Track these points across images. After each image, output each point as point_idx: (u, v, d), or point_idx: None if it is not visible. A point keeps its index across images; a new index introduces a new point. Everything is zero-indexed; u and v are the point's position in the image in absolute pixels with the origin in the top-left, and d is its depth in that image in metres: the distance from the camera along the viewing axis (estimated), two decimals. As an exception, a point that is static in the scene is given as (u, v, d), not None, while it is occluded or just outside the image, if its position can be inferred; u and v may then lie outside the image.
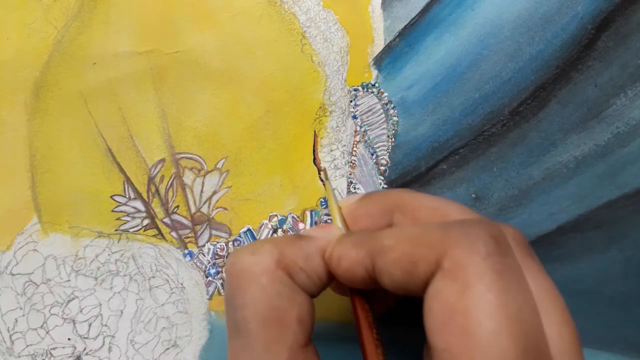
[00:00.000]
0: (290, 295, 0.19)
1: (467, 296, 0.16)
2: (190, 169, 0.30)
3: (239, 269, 0.20)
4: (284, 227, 0.30)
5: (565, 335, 0.18)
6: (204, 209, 0.30)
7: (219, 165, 0.30)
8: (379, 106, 0.31)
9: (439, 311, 0.17)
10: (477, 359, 0.16)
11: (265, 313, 0.19)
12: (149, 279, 0.29)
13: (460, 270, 0.17)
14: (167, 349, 0.29)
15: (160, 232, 0.30)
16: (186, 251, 0.30)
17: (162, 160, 0.30)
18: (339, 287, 0.24)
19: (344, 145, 0.30)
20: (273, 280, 0.19)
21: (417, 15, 0.31)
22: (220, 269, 0.30)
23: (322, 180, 0.30)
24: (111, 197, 0.30)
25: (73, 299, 0.29)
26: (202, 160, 0.30)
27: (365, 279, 0.20)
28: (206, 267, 0.30)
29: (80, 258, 0.29)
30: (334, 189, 0.30)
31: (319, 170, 0.30)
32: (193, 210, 0.30)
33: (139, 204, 0.30)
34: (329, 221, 0.30)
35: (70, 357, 0.29)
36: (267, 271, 0.19)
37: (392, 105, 0.30)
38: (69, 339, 0.29)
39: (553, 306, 0.19)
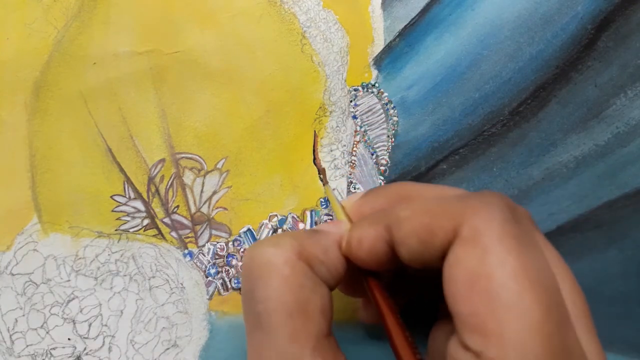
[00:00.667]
0: (313, 286, 0.19)
1: (489, 260, 0.17)
2: (190, 169, 0.30)
3: (260, 261, 0.20)
4: (284, 227, 0.30)
5: (577, 302, 0.19)
6: (204, 209, 0.30)
7: (219, 165, 0.30)
8: (379, 106, 0.31)
9: (462, 277, 0.17)
10: (504, 320, 0.16)
11: (289, 305, 0.19)
12: (149, 279, 0.29)
13: (479, 236, 0.17)
14: (167, 349, 0.29)
15: (160, 232, 0.30)
16: (186, 251, 0.30)
17: (162, 160, 0.30)
18: (347, 287, 0.24)
19: (344, 145, 0.30)
20: (296, 271, 0.19)
21: (417, 15, 0.31)
22: (220, 269, 0.30)
23: (322, 181, 0.30)
24: (111, 197, 0.30)
25: (73, 299, 0.29)
26: (202, 160, 0.30)
27: (388, 255, 0.20)
28: (206, 267, 0.30)
29: (80, 258, 0.29)
30: (334, 189, 0.30)
31: (319, 170, 0.30)
32: (193, 210, 0.30)
33: (139, 204, 0.30)
34: (329, 221, 0.30)
35: (70, 357, 0.29)
36: (289, 263, 0.19)
37: (392, 105, 0.30)
38: (69, 339, 0.29)
39: (564, 274, 0.19)
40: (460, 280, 0.17)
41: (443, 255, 0.18)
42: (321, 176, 0.30)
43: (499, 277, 0.16)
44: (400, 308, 0.26)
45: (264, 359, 0.19)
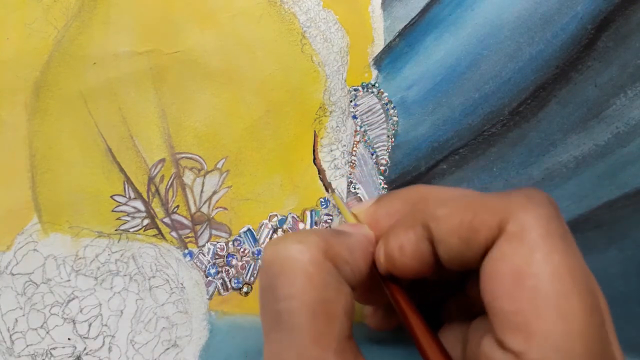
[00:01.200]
0: (337, 286, 0.19)
1: (536, 258, 0.16)
2: (190, 169, 0.30)
3: (284, 258, 0.19)
4: (284, 227, 0.30)
5: (606, 306, 0.19)
6: (204, 209, 0.30)
7: (219, 165, 0.30)
8: (379, 106, 0.31)
9: (506, 273, 0.17)
10: (549, 321, 0.16)
11: (313, 305, 0.18)
12: (149, 279, 0.29)
13: (526, 232, 0.17)
14: (167, 349, 0.29)
15: (160, 232, 0.30)
16: (186, 251, 0.30)
17: (162, 160, 0.30)
18: (362, 295, 0.24)
19: (344, 145, 0.30)
20: (321, 270, 0.18)
21: (417, 15, 0.31)
22: (220, 269, 0.30)
23: (325, 188, 0.30)
24: (111, 197, 0.30)
25: (73, 298, 0.29)
26: (202, 160, 0.30)
27: (434, 256, 0.19)
28: (206, 267, 0.30)
29: (80, 258, 0.29)
30: (335, 188, 0.30)
31: (319, 171, 0.30)
32: (193, 210, 0.30)
33: (139, 204, 0.30)
34: (329, 220, 0.30)
35: (70, 357, 0.29)
36: (314, 261, 0.18)
37: (392, 105, 0.30)
38: (69, 339, 0.29)
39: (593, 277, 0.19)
40: (504, 276, 0.17)
41: (483, 254, 0.18)
42: (324, 182, 0.30)
43: (546, 277, 0.16)
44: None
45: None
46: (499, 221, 0.17)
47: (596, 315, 0.16)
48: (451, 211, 0.19)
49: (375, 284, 0.23)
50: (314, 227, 0.30)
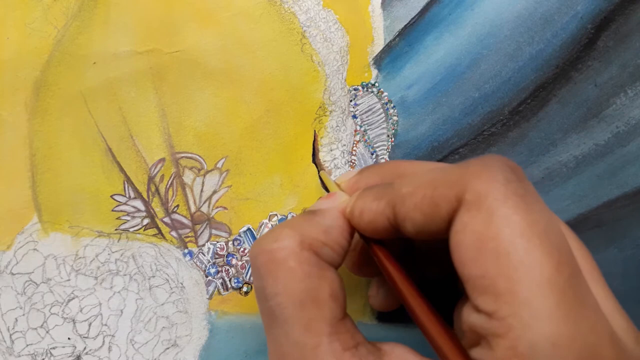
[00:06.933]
0: (320, 273, 0.20)
1: (495, 221, 0.17)
2: (190, 169, 0.30)
3: (265, 259, 0.20)
4: (284, 226, 0.30)
5: (586, 256, 0.19)
6: (204, 209, 0.30)
7: (219, 165, 0.30)
8: (378, 106, 0.31)
9: (469, 241, 0.17)
10: (514, 278, 0.16)
11: (299, 296, 0.19)
12: (149, 279, 0.29)
13: (483, 199, 0.17)
14: (167, 348, 0.29)
15: (160, 232, 0.30)
16: (186, 250, 0.30)
17: (162, 160, 0.30)
18: (356, 266, 0.24)
19: (344, 145, 0.30)
20: (300, 262, 0.19)
21: (416, 15, 0.31)
22: (220, 269, 0.30)
23: (317, 167, 0.30)
24: (111, 196, 0.30)
25: (73, 298, 0.29)
26: (202, 160, 0.30)
27: (387, 229, 0.20)
28: (206, 266, 0.30)
29: (80, 257, 0.29)
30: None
31: (319, 170, 0.30)
32: (193, 209, 0.30)
33: (139, 204, 0.30)
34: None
35: (70, 356, 0.29)
36: (292, 255, 0.19)
37: (392, 105, 0.31)
38: (69, 339, 0.29)
39: (567, 231, 0.19)
40: (467, 245, 0.17)
41: (449, 226, 0.18)
42: (317, 164, 0.30)
43: (507, 237, 0.16)
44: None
45: (284, 353, 0.19)
46: (456, 193, 0.18)
47: (565, 266, 0.16)
48: (414, 188, 0.19)
49: (365, 255, 0.23)
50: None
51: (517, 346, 0.16)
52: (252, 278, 0.26)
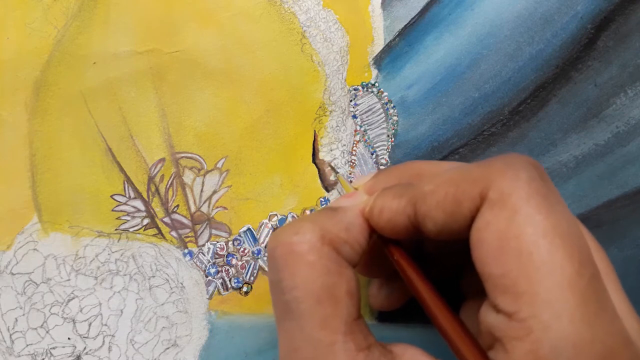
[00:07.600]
0: (338, 270, 0.19)
1: (518, 220, 0.17)
2: (190, 169, 0.30)
3: (284, 251, 0.19)
4: (284, 226, 0.30)
5: (603, 258, 0.19)
6: (204, 209, 0.30)
7: (219, 165, 0.30)
8: (378, 106, 0.31)
9: (492, 239, 0.17)
10: (536, 278, 0.16)
11: (317, 291, 0.19)
12: (149, 279, 0.29)
13: (506, 197, 0.17)
14: (167, 348, 0.29)
15: (160, 232, 0.30)
16: (186, 250, 0.30)
17: (162, 160, 0.30)
18: (365, 267, 0.24)
19: (344, 145, 0.30)
20: (320, 257, 0.19)
21: (416, 15, 0.31)
22: (220, 269, 0.30)
23: (333, 169, 0.30)
24: (111, 196, 0.30)
25: (73, 298, 0.29)
26: (202, 160, 0.30)
27: (407, 228, 0.20)
28: (206, 266, 0.30)
29: (80, 257, 0.29)
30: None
31: (319, 170, 0.30)
32: (193, 209, 0.30)
33: (139, 204, 0.30)
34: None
35: (70, 356, 0.29)
36: (313, 249, 0.19)
37: (392, 105, 0.31)
38: (68, 339, 0.29)
39: (585, 232, 0.19)
40: (489, 243, 0.17)
41: (471, 224, 0.18)
42: (328, 168, 0.30)
43: (529, 236, 0.16)
44: None
45: (296, 348, 0.19)
46: (480, 190, 0.18)
47: (586, 267, 0.16)
48: (436, 187, 0.19)
49: (375, 255, 0.23)
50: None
51: (537, 349, 0.16)
52: (267, 270, 0.26)
